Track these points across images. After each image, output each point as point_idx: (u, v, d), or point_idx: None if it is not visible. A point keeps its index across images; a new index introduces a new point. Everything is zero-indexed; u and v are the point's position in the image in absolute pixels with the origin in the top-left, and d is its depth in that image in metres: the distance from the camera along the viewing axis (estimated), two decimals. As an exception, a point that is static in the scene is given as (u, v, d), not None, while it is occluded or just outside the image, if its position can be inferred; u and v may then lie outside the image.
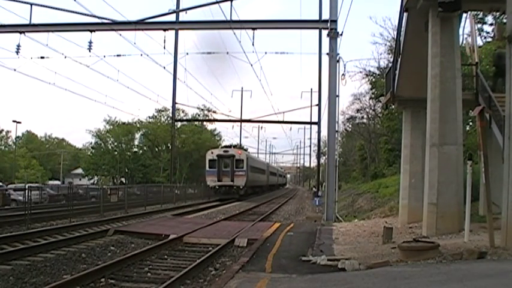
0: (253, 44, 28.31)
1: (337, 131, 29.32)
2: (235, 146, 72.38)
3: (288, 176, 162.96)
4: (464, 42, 25.99)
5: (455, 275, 9.22)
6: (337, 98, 27.09)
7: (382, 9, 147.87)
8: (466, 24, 23.83)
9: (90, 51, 28.12)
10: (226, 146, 63.59)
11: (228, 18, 25.99)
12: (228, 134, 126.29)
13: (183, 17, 31.21)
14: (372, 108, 60.55)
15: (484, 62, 24.95)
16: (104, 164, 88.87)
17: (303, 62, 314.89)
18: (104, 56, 32.05)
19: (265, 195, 64.25)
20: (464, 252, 10.88)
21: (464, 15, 19.80)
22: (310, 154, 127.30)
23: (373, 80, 52.51)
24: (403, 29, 19.64)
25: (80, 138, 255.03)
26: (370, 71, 53.62)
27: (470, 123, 29.39)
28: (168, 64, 41.22)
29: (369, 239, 16.88)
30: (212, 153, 52.23)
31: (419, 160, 20.97)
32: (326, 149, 36.37)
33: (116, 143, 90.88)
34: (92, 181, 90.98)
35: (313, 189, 62.00)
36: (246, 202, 45.43)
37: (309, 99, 62.19)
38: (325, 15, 27.73)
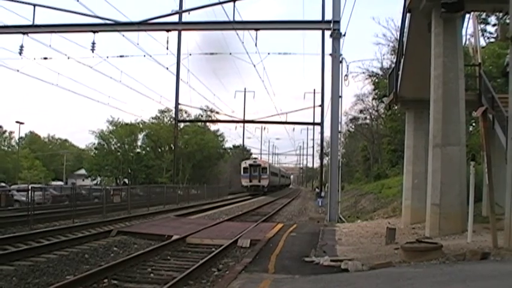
0: (256, 45, 28.24)
1: (340, 132, 29.34)
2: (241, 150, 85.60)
3: (292, 176, 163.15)
4: (467, 42, 25.94)
5: (458, 275, 9.21)
6: (340, 99, 27.10)
7: (385, 10, 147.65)
8: (469, 25, 23.81)
9: (93, 52, 28.18)
10: (254, 158, 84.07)
11: (231, 19, 26.01)
12: (231, 135, 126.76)
13: (186, 17, 31.24)
14: (375, 109, 60.71)
15: (487, 63, 24.90)
16: (107, 165, 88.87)
17: (306, 62, 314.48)
18: (107, 57, 32.29)
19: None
20: (468, 253, 10.88)
21: (467, 15, 19.79)
22: (313, 155, 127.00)
23: (376, 80, 52.56)
24: (406, 29, 19.64)
25: (83, 138, 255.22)
26: (373, 71, 53.72)
27: (473, 124, 29.37)
28: (171, 65, 41.37)
29: (371, 239, 16.90)
30: (245, 163, 73.95)
31: (422, 161, 20.94)
32: (329, 149, 36.36)
33: (119, 144, 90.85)
34: (95, 182, 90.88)
35: (316, 189, 62.05)
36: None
37: (312, 100, 62.20)
38: (328, 16, 27.79)
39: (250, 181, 70.69)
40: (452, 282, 8.69)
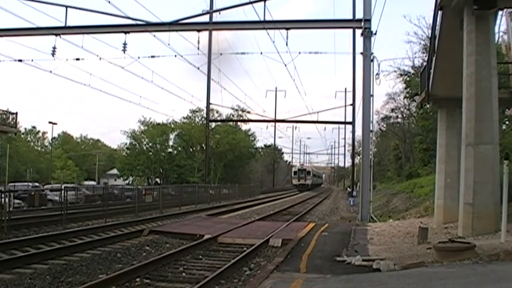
0: (287, 44, 28.20)
1: (371, 131, 29.19)
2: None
3: (323, 176, 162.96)
4: (500, 40, 25.59)
5: (491, 276, 9.15)
6: (371, 98, 27.03)
7: (417, 8, 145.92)
8: (501, 22, 23.47)
9: (124, 52, 28.35)
10: (302, 165, 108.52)
11: (262, 19, 26.03)
12: (263, 134, 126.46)
13: (216, 17, 31.34)
14: (407, 107, 60.12)
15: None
16: (139, 165, 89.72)
17: (337, 61, 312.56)
18: (139, 57, 32.41)
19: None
20: (501, 253, 10.77)
21: (500, 12, 19.50)
22: (344, 154, 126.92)
23: (408, 79, 52.09)
24: (437, 27, 19.45)
25: (115, 139, 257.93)
26: (404, 70, 53.23)
27: (507, 122, 28.98)
28: (202, 65, 41.23)
29: (404, 239, 16.80)
30: (295, 167, 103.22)
31: (455, 160, 20.70)
32: (360, 148, 36.16)
33: (150, 144, 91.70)
34: (127, 181, 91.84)
35: (348, 189, 61.77)
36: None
37: (343, 99, 61.82)
38: (359, 15, 27.67)
39: (299, 180, 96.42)
40: (485, 282, 8.64)
